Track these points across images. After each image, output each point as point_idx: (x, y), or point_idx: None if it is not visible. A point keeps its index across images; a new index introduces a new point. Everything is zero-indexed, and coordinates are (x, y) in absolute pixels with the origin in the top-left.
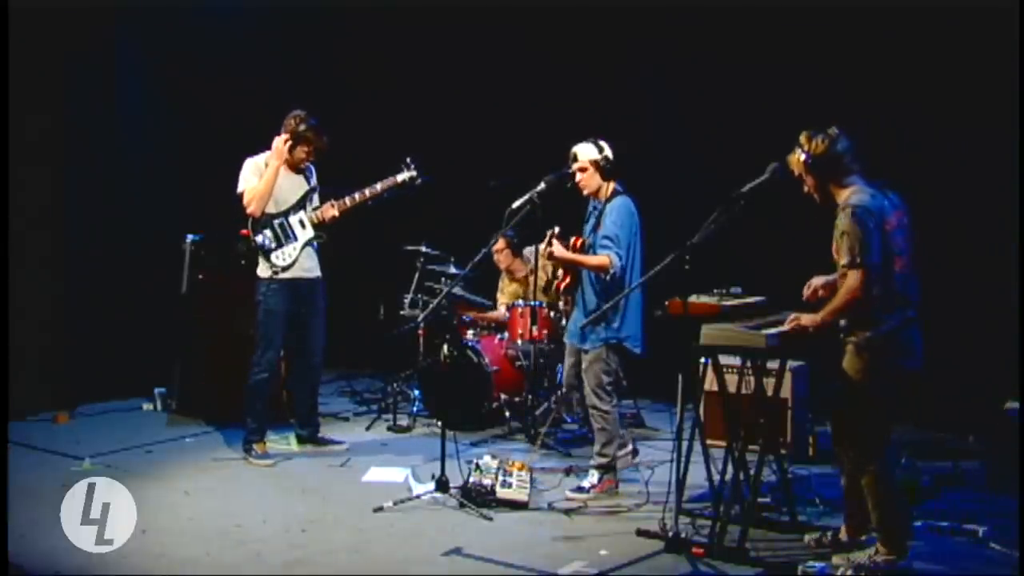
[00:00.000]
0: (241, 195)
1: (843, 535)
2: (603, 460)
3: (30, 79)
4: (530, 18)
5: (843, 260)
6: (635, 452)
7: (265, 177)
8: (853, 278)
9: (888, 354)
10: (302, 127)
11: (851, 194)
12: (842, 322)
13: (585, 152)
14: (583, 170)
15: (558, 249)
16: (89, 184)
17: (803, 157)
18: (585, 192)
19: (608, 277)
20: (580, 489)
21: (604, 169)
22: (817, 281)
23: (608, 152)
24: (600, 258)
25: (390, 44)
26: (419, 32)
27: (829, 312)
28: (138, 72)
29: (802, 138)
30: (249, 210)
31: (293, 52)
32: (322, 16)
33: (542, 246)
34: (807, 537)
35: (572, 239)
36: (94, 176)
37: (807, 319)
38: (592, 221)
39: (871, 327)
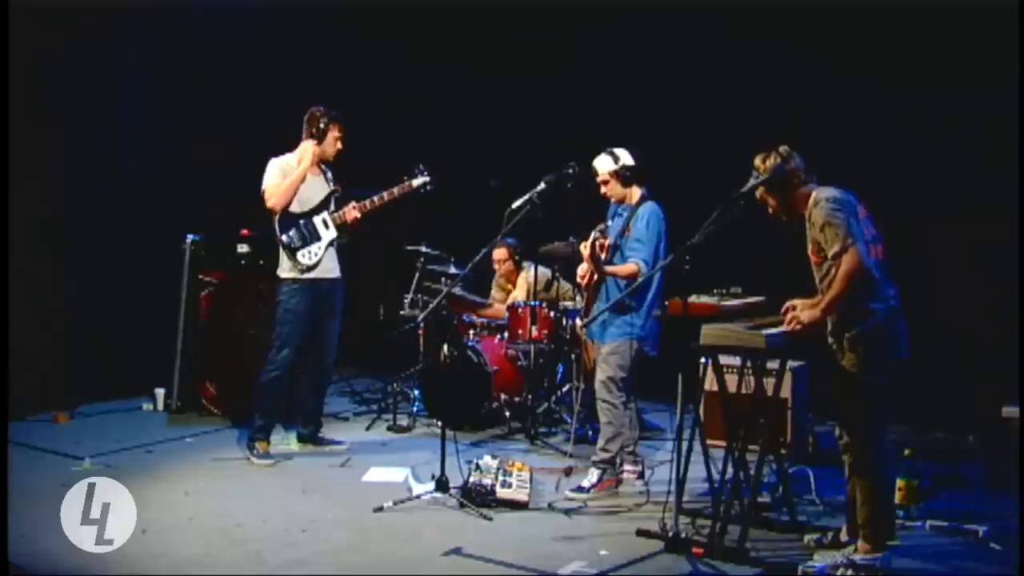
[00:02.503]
0: (263, 193)
1: (843, 535)
2: (606, 455)
3: (30, 79)
4: (530, 19)
5: (833, 249)
6: (641, 474)
7: (292, 176)
8: (849, 260)
9: (879, 346)
10: (328, 116)
11: (816, 194)
12: (828, 325)
13: (602, 165)
14: (605, 183)
15: (605, 267)
16: (89, 184)
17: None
18: (613, 200)
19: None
20: (580, 488)
21: (624, 177)
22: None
23: (625, 159)
24: (629, 267)
25: (390, 44)
26: (419, 32)
27: (828, 303)
28: (138, 73)
29: (756, 162)
30: (269, 204)
31: (293, 53)
32: (322, 17)
33: (584, 248)
34: (807, 538)
35: (600, 242)
36: (94, 176)
37: (806, 316)
38: (620, 224)
39: (859, 322)
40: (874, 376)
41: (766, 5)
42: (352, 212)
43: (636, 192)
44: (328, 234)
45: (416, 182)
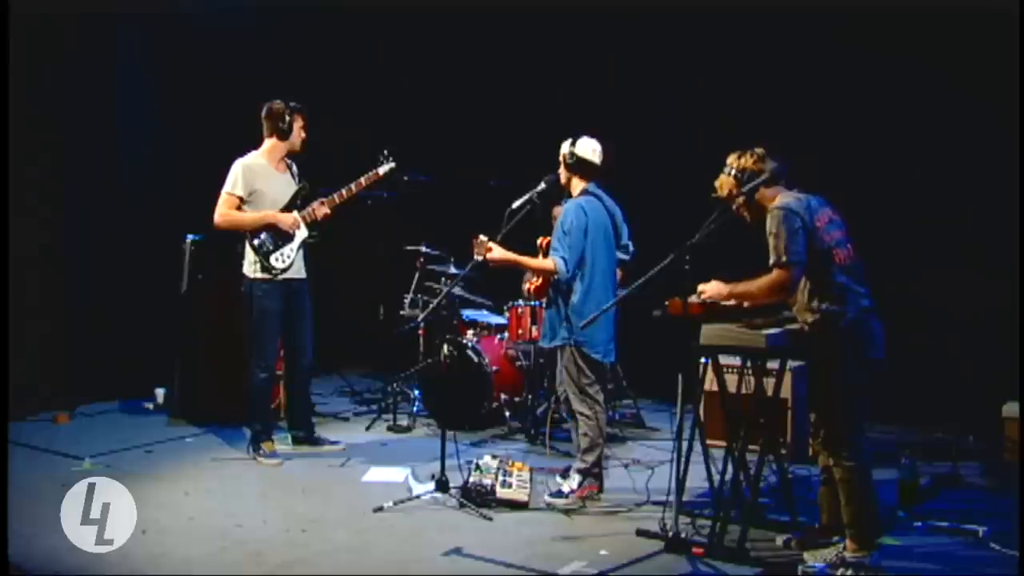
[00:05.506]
0: (219, 198)
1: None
2: (583, 465)
3: (31, 80)
4: (531, 18)
5: (771, 259)
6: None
7: (251, 218)
8: (777, 277)
9: (852, 345)
10: (290, 109)
11: (777, 200)
12: (804, 327)
13: (563, 147)
14: (560, 162)
15: (496, 251)
16: (89, 184)
17: (733, 175)
18: (562, 183)
19: (556, 280)
20: (559, 493)
21: (567, 164)
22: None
23: (578, 150)
24: (544, 262)
25: (391, 44)
26: (419, 32)
27: (741, 292)
28: (138, 72)
29: (730, 159)
30: (216, 221)
31: (293, 52)
32: (322, 16)
33: (476, 254)
34: (778, 538)
35: (540, 239)
36: (94, 176)
37: (712, 290)
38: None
39: (829, 327)
40: (848, 377)
41: (767, 5)
42: (321, 209)
43: (578, 185)
44: (300, 234)
45: (382, 170)
